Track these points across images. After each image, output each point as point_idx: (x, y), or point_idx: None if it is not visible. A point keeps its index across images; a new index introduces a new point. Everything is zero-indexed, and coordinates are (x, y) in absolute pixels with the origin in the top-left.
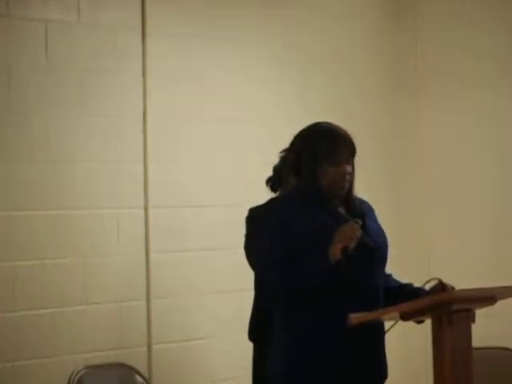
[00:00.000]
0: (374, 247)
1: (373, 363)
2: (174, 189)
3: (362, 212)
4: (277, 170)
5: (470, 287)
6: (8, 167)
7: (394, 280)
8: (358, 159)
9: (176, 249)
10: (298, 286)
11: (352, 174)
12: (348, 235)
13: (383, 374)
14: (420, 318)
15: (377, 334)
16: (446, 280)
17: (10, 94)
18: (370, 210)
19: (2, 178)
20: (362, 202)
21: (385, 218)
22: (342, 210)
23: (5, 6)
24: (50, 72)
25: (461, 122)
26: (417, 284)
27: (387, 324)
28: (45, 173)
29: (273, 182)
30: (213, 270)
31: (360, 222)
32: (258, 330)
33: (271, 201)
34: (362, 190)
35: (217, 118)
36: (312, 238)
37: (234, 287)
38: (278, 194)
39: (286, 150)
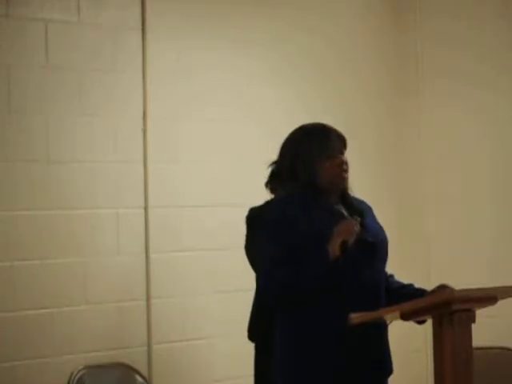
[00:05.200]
0: (373, 242)
1: (377, 360)
2: (174, 189)
3: (360, 210)
4: (275, 172)
5: (471, 287)
6: (8, 167)
7: (396, 281)
8: (358, 159)
9: (176, 249)
10: (299, 285)
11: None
12: (346, 229)
13: (388, 370)
14: (420, 318)
15: (380, 329)
16: (447, 280)
17: (9, 93)
18: (369, 208)
19: (2, 177)
20: (360, 202)
21: (385, 218)
22: (340, 208)
23: (5, 6)
24: (50, 72)
25: (461, 122)
26: (418, 285)
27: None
28: (45, 173)
29: (273, 184)
30: (213, 270)
31: (359, 219)
32: (258, 329)
33: (270, 202)
34: (362, 190)
35: (217, 117)
36: (311, 237)
37: (234, 287)
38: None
39: (277, 160)
